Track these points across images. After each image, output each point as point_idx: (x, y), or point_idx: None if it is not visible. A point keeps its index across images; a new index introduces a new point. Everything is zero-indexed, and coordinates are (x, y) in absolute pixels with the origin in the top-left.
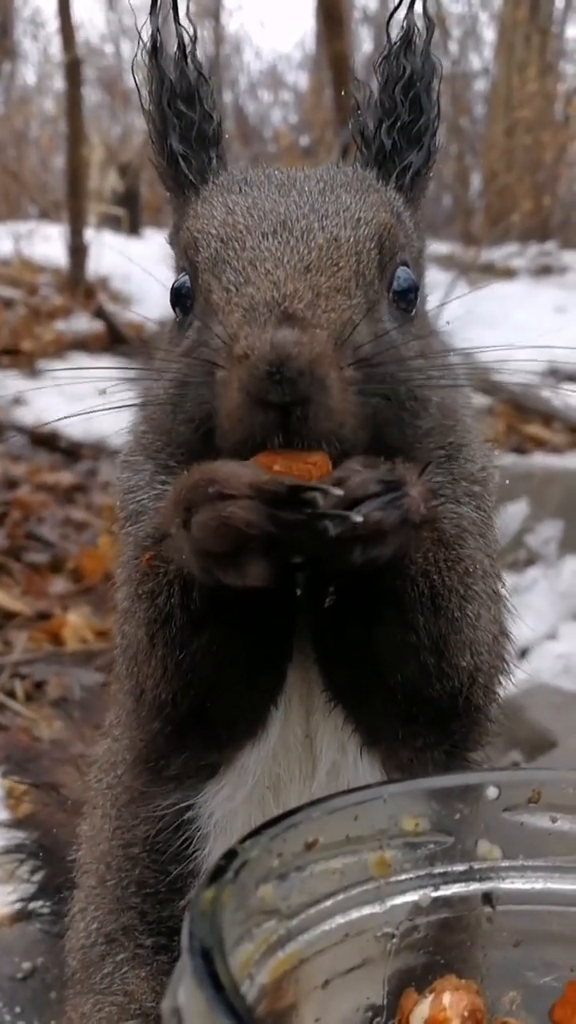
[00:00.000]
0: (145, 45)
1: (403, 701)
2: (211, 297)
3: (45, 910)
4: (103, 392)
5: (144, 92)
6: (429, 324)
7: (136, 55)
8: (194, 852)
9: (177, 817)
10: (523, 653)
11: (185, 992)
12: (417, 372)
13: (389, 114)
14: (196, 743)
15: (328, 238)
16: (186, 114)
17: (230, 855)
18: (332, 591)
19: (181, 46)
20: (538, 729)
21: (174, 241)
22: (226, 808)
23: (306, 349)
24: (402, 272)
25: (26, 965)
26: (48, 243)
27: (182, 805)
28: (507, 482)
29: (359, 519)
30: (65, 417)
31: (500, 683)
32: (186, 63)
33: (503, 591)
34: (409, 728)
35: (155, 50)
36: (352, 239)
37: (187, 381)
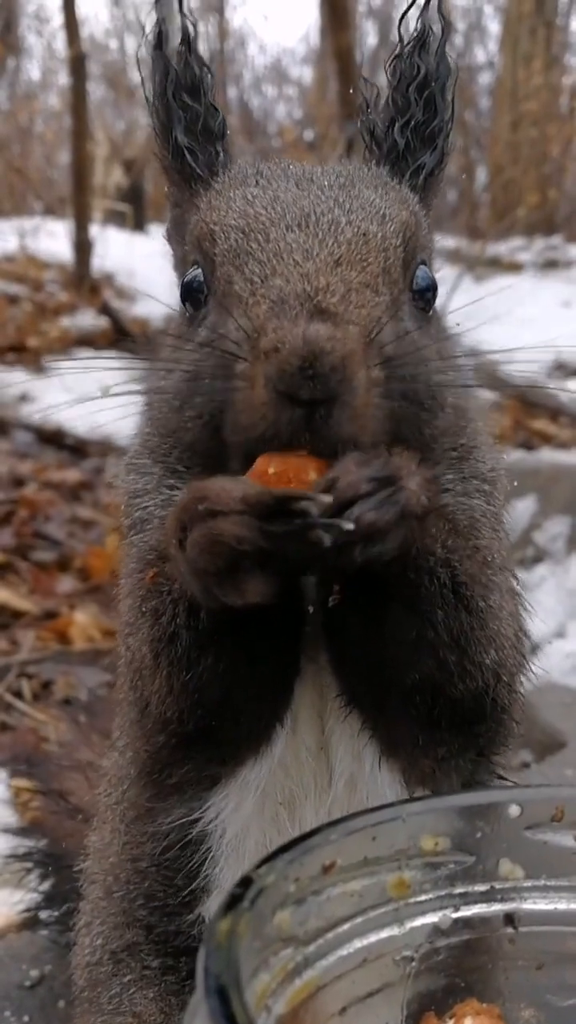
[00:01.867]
0: (148, 38)
1: (422, 704)
2: (232, 289)
3: (52, 919)
4: (107, 390)
5: (148, 85)
6: (443, 323)
7: (139, 48)
8: (204, 870)
9: (184, 833)
10: (533, 651)
11: None
12: (437, 372)
13: (403, 113)
14: (200, 757)
15: (356, 232)
16: (191, 107)
17: (245, 882)
18: (337, 590)
19: (185, 38)
20: (548, 729)
21: (174, 236)
22: (237, 826)
23: (339, 345)
24: (422, 271)
25: (34, 973)
26: (53, 239)
27: (187, 819)
28: (515, 483)
29: (350, 526)
30: (62, 405)
31: (522, 683)
32: (190, 55)
33: (518, 588)
34: (431, 734)
35: (159, 42)
36: (380, 235)
37: (199, 376)
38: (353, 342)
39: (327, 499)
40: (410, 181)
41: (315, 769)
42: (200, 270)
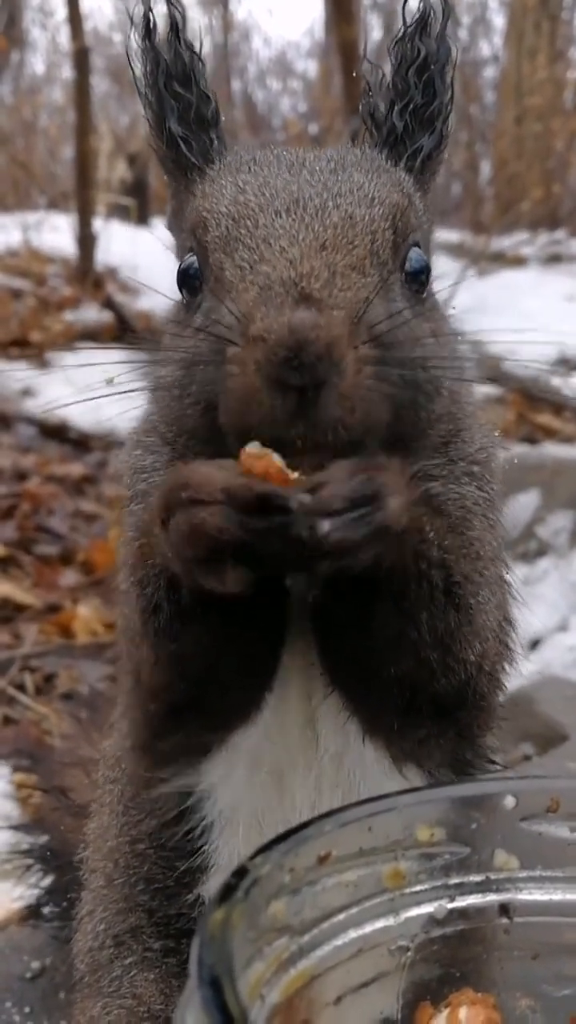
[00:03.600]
0: (138, 27)
1: (401, 696)
2: (223, 276)
3: (54, 914)
4: (111, 380)
5: (139, 75)
6: (439, 308)
7: (129, 39)
8: (201, 845)
9: (180, 803)
10: (534, 645)
11: (193, 1020)
12: (430, 353)
13: (402, 96)
14: (191, 724)
15: (343, 216)
16: (183, 96)
17: (240, 872)
18: (316, 588)
19: (173, 26)
20: (549, 722)
21: (174, 225)
22: (229, 795)
23: (323, 332)
24: (414, 253)
25: (35, 965)
26: (57, 233)
27: (183, 783)
28: (515, 460)
29: (327, 528)
30: (66, 400)
31: (505, 670)
32: (179, 44)
33: (508, 576)
34: (409, 719)
35: (148, 31)
36: (367, 217)
37: (195, 362)
38: (338, 327)
39: (306, 499)
40: (407, 164)
41: (302, 740)
42: (195, 257)
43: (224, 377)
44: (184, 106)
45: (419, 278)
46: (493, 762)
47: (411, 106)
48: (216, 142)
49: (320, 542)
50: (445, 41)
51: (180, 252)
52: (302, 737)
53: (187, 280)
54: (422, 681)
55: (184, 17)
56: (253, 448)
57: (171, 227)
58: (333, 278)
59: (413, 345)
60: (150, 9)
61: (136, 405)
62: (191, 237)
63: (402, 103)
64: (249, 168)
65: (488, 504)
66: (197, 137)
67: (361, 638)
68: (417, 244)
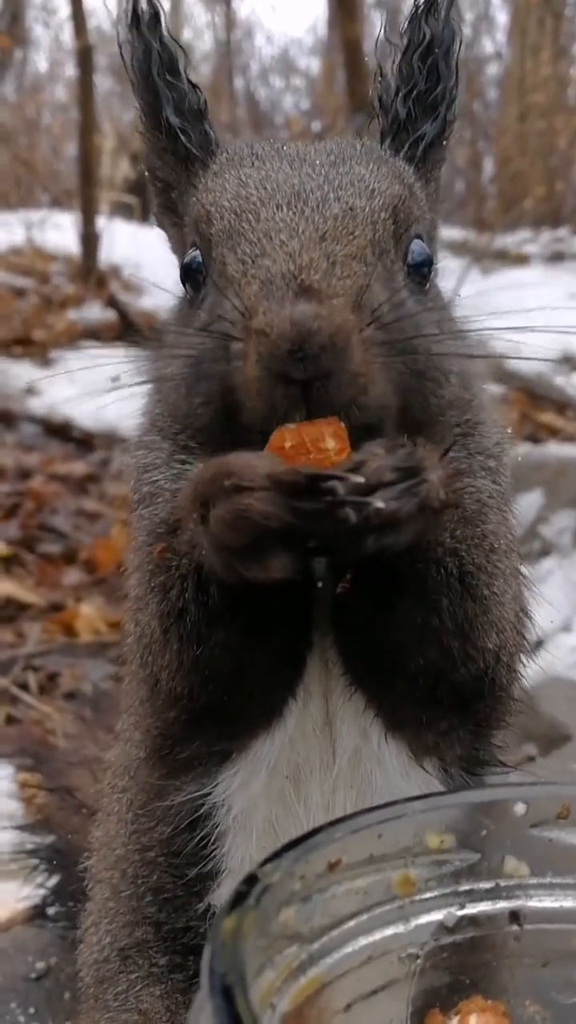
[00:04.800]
0: (124, 17)
1: (425, 686)
2: (226, 270)
3: (60, 915)
4: (116, 379)
5: (129, 66)
6: (442, 299)
7: (116, 30)
8: (212, 851)
9: (194, 811)
10: (538, 645)
11: None
12: (434, 339)
13: (406, 82)
14: (211, 732)
15: (343, 208)
16: (176, 85)
17: (251, 880)
18: (347, 578)
19: (155, 15)
20: (553, 723)
21: (167, 219)
22: (244, 801)
23: (325, 323)
24: (416, 245)
25: (40, 965)
26: (60, 231)
27: (198, 794)
28: (519, 458)
29: (381, 505)
30: (69, 398)
31: (522, 662)
32: (162, 33)
33: (522, 568)
34: (432, 711)
35: (136, 21)
36: (367, 209)
37: (201, 358)
38: (339, 315)
39: (358, 479)
40: (409, 152)
41: (321, 744)
42: (198, 251)
43: (228, 373)
44: (178, 96)
45: (421, 271)
46: (503, 763)
47: (415, 92)
48: (211, 133)
49: (368, 518)
50: (450, 25)
51: (177, 246)
52: (320, 738)
53: (191, 275)
54: (444, 671)
55: (163, 5)
56: (290, 429)
57: (161, 221)
58: (332, 268)
59: (416, 328)
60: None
61: (138, 404)
62: (194, 232)
63: (406, 89)
64: (251, 162)
65: (502, 498)
66: (194, 128)
67: (386, 630)
68: (420, 236)
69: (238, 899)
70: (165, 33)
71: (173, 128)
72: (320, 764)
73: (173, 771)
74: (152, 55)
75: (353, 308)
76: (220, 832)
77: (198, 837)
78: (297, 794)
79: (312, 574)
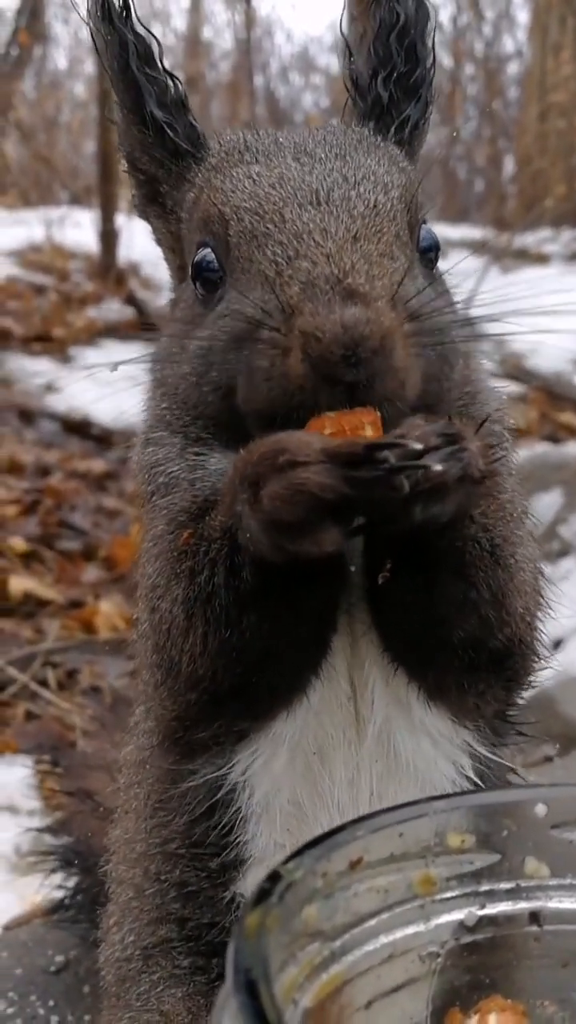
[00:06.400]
0: (95, 10)
1: (465, 655)
2: (255, 268)
3: (79, 916)
4: (115, 368)
5: (105, 61)
6: (444, 280)
7: (90, 24)
8: (235, 839)
9: (212, 795)
10: (556, 645)
11: None
12: (453, 323)
13: (384, 64)
14: (230, 713)
15: (367, 205)
16: (157, 78)
17: (274, 877)
18: (388, 568)
19: (125, 6)
20: (571, 723)
21: (152, 211)
22: (268, 783)
23: (376, 328)
24: (425, 231)
25: (59, 959)
26: (79, 229)
27: (214, 775)
28: (512, 422)
29: (439, 467)
30: (88, 395)
31: (542, 619)
32: (135, 24)
33: (532, 529)
34: (472, 676)
35: (108, 13)
36: (388, 204)
37: (214, 349)
38: (387, 319)
39: (412, 444)
40: (395, 136)
41: (344, 719)
42: (210, 251)
43: (251, 360)
44: (160, 89)
45: (429, 254)
46: (522, 734)
47: (394, 74)
48: (196, 124)
49: (418, 482)
50: (423, 3)
51: (164, 238)
52: (345, 715)
53: (202, 273)
54: (484, 639)
55: None
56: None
57: (144, 213)
58: (371, 269)
59: (439, 315)
60: None
61: (140, 403)
62: (203, 231)
63: (385, 72)
64: (255, 158)
65: (508, 462)
66: (179, 120)
67: (429, 607)
68: (425, 221)
69: (261, 896)
70: (137, 24)
71: (158, 122)
72: (344, 740)
73: (187, 754)
74: (128, 48)
75: (392, 307)
76: (242, 817)
77: (219, 823)
78: (323, 771)
79: (344, 559)
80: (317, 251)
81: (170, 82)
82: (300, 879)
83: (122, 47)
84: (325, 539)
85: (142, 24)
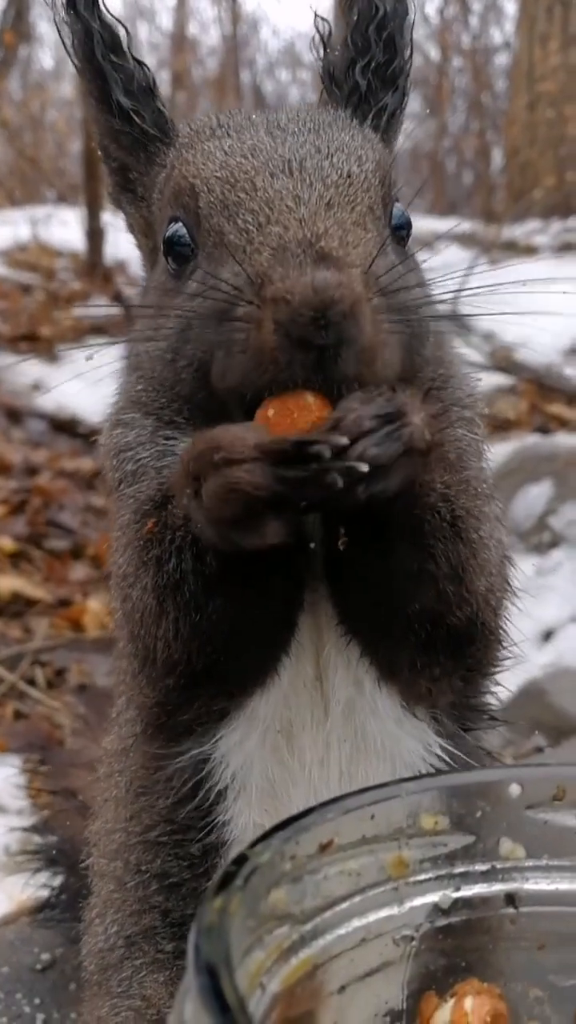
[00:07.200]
0: (62, 0)
1: (421, 631)
2: (225, 239)
3: (64, 915)
4: (90, 358)
5: (71, 50)
6: (415, 258)
7: (54, 14)
8: (216, 818)
9: (196, 773)
10: (547, 636)
11: (191, 1010)
12: (423, 299)
13: (363, 54)
14: (207, 693)
15: (341, 174)
16: (123, 66)
17: (240, 860)
18: (344, 532)
19: None
20: (562, 713)
21: (125, 199)
22: (240, 758)
23: (347, 292)
24: (397, 208)
25: (45, 957)
26: (65, 228)
27: (199, 752)
28: (485, 410)
29: (364, 468)
30: (76, 393)
31: (507, 607)
32: (101, 11)
33: (500, 514)
34: (427, 657)
35: (72, 2)
36: (362, 175)
37: (190, 325)
38: (358, 284)
39: (342, 440)
40: (372, 123)
41: (312, 698)
42: (181, 224)
43: (227, 337)
44: (126, 77)
45: (401, 232)
46: (494, 718)
47: (372, 64)
48: (165, 110)
49: (352, 473)
50: None
51: (138, 224)
52: (311, 693)
53: (174, 248)
54: (441, 614)
55: None
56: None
57: (118, 201)
58: (345, 235)
59: (408, 292)
60: None
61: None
62: (174, 206)
63: (363, 61)
64: (227, 132)
65: (478, 446)
66: (145, 107)
67: (385, 578)
68: (398, 199)
69: (226, 880)
70: (104, 12)
71: (125, 110)
72: (312, 719)
73: (172, 739)
74: (93, 37)
75: (364, 278)
76: (219, 792)
77: (199, 802)
78: (291, 750)
79: (304, 536)
80: (289, 216)
81: (137, 69)
82: (267, 862)
83: (87, 36)
84: (268, 532)
85: (109, 12)
